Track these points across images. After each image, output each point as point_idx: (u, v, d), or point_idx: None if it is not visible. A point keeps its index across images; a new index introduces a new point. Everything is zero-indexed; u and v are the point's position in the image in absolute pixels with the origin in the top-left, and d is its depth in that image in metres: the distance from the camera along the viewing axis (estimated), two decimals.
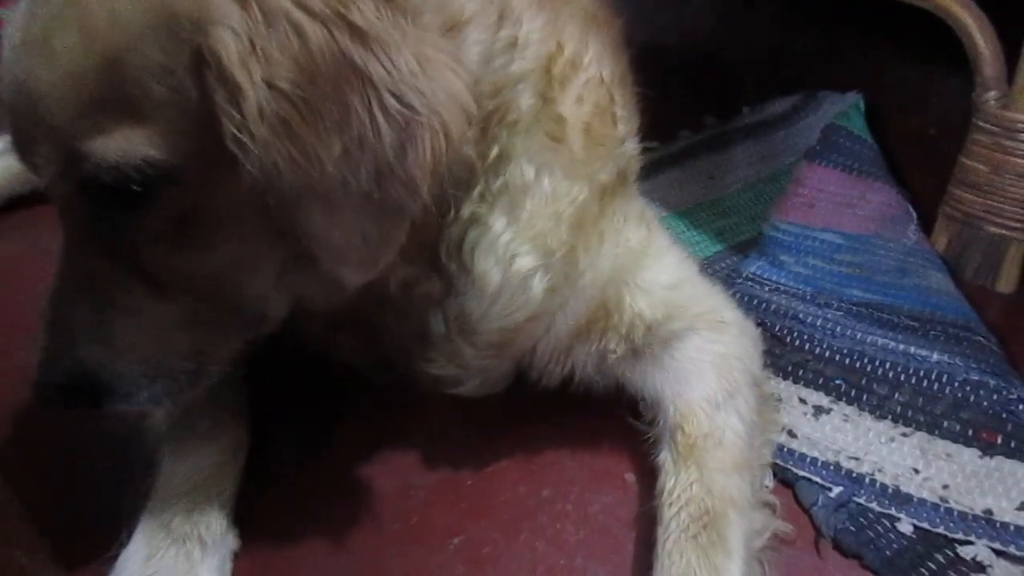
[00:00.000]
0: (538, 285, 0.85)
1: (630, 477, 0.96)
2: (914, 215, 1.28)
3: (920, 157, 1.45)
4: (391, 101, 0.63)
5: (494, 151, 0.80)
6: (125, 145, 0.64)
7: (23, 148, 0.71)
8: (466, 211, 0.81)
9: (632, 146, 0.97)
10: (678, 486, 0.83)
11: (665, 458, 0.87)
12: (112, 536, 0.83)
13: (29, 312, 1.22)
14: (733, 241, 1.30)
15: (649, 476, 0.91)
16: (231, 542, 0.86)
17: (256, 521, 0.89)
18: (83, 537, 0.85)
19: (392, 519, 0.91)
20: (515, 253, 0.83)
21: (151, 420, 0.95)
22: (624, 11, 1.06)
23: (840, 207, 1.31)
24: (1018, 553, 0.83)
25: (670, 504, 0.82)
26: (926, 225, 1.28)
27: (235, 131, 0.61)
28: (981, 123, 1.14)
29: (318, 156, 0.62)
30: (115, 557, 0.81)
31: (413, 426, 1.02)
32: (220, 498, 0.86)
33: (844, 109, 1.48)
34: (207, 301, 0.75)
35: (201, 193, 0.67)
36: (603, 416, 1.00)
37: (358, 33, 0.62)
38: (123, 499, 0.86)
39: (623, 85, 0.96)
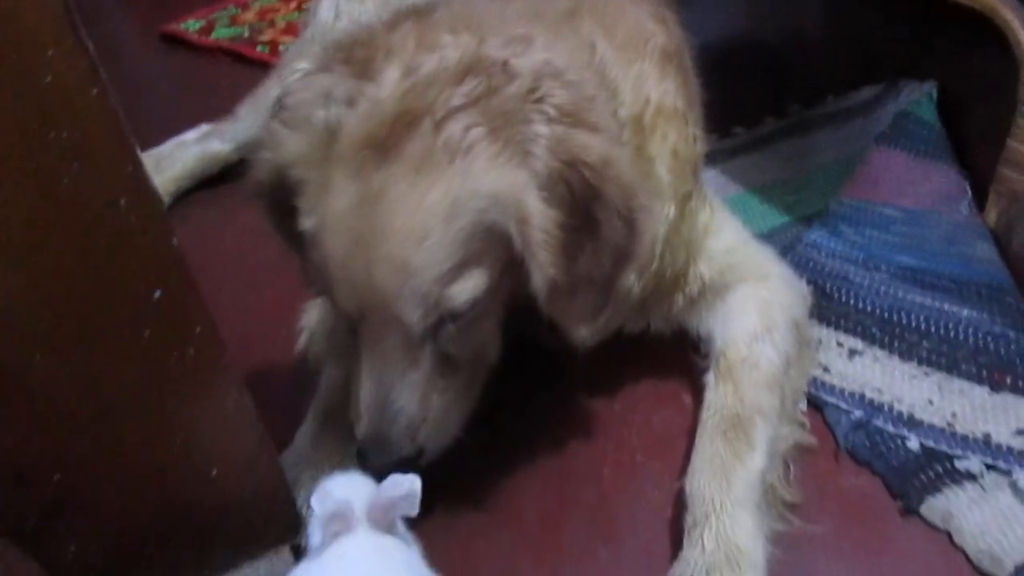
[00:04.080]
0: (636, 291, 1.09)
1: (687, 399, 1.18)
2: (968, 192, 1.40)
3: (993, 140, 1.57)
4: (623, 209, 0.90)
5: None
6: (476, 283, 0.88)
7: (373, 304, 0.88)
8: None
9: (702, 147, 1.16)
10: (717, 398, 1.05)
11: (709, 378, 1.09)
12: None
13: (228, 265, 1.56)
14: (800, 214, 1.47)
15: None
16: None
17: None
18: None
19: (511, 431, 1.16)
20: None
21: (312, 349, 1.26)
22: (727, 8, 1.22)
23: (902, 185, 1.45)
24: (1005, 467, 1.00)
25: (708, 409, 1.04)
26: (984, 202, 1.41)
27: (543, 258, 0.87)
28: None
29: (578, 259, 0.90)
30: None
31: (527, 366, 1.24)
32: None
33: (918, 97, 1.61)
34: (475, 364, 0.99)
35: (489, 297, 0.92)
36: (669, 353, 1.22)
37: (595, 169, 0.88)
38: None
39: (693, 105, 1.16)
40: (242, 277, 1.57)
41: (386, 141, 0.85)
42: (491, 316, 0.97)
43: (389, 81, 0.87)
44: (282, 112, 0.94)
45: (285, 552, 0.96)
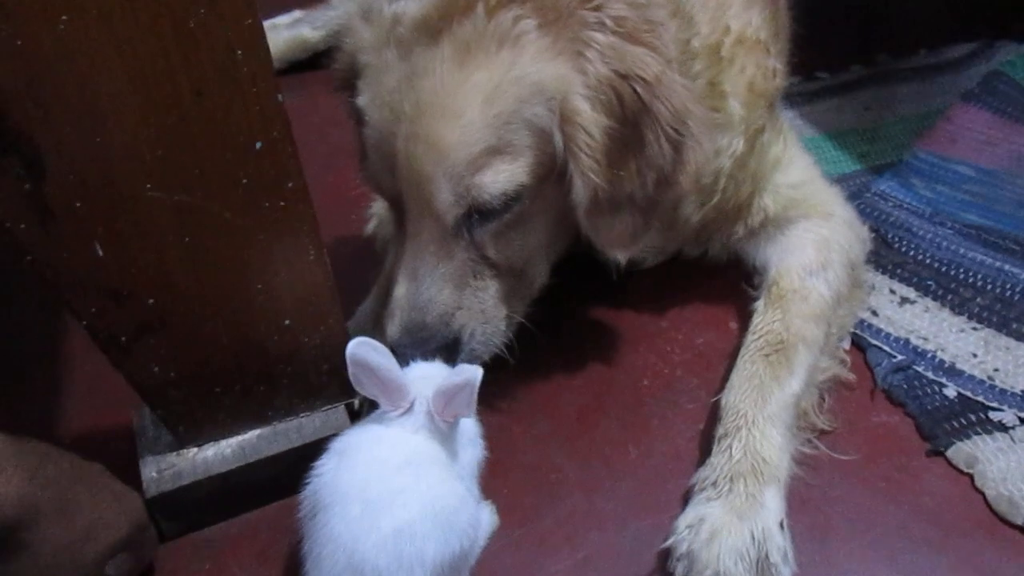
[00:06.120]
0: (695, 220, 1.12)
1: (733, 325, 1.22)
2: None
3: None
4: (671, 132, 0.91)
5: None
6: (508, 177, 0.90)
7: (409, 186, 0.91)
8: None
9: (781, 81, 1.14)
10: (763, 323, 1.08)
11: (759, 305, 1.12)
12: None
13: (308, 146, 1.61)
14: (873, 163, 1.47)
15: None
16: None
17: None
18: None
19: (562, 334, 1.21)
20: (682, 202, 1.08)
21: (379, 233, 1.32)
22: None
23: (980, 144, 1.43)
24: None
25: (753, 333, 1.08)
26: None
27: (585, 162, 0.88)
28: None
29: (622, 173, 0.92)
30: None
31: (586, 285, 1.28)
32: None
33: (1012, 57, 1.57)
34: (516, 276, 1.02)
35: (530, 203, 0.95)
36: (721, 279, 1.25)
37: (649, 85, 0.89)
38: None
39: (779, 37, 1.15)
40: (321, 159, 1.63)
41: (439, 24, 0.88)
42: (533, 233, 1.00)
43: None
44: (363, 9, 0.99)
45: (340, 410, 1.04)
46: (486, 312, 1.00)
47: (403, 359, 0.94)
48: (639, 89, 0.89)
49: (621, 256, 1.02)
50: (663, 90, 0.90)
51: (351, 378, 0.86)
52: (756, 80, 1.08)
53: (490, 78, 0.87)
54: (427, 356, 0.94)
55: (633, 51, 0.89)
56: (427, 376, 0.90)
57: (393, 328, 0.97)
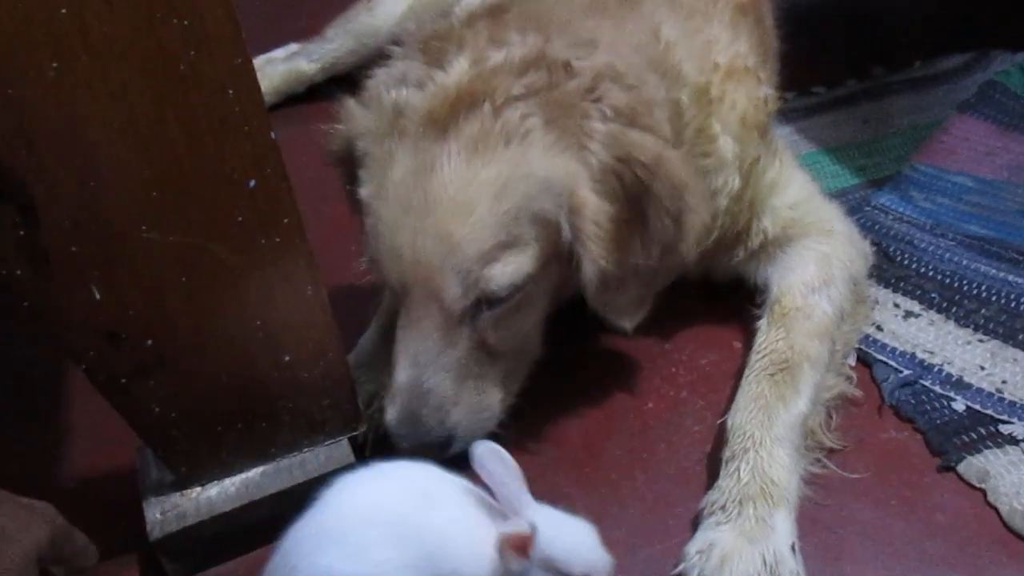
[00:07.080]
0: (691, 255, 1.08)
1: (737, 345, 1.21)
2: None
3: None
4: (672, 208, 0.94)
5: None
6: (517, 269, 0.91)
7: (416, 277, 0.91)
8: None
9: (773, 106, 1.14)
10: (767, 342, 1.07)
11: (762, 323, 1.11)
12: None
13: (305, 179, 1.62)
14: (871, 177, 1.46)
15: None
16: None
17: None
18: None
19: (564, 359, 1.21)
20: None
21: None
22: None
23: (980, 155, 1.43)
24: None
25: (757, 352, 1.07)
26: None
27: (595, 250, 0.91)
28: None
29: (627, 252, 0.94)
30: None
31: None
32: None
33: (1008, 67, 1.57)
34: (513, 356, 1.02)
35: (532, 287, 0.96)
36: (723, 299, 1.24)
37: (647, 167, 0.91)
38: None
39: (768, 60, 1.15)
40: (317, 190, 1.60)
41: (446, 119, 0.89)
42: (533, 311, 1.00)
43: (457, 69, 0.92)
44: (362, 93, 1.00)
45: (344, 444, 1.03)
46: (482, 403, 1.00)
47: (395, 442, 0.97)
48: (639, 172, 0.91)
49: (629, 325, 1.02)
50: (662, 169, 0.92)
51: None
52: (748, 113, 1.08)
53: (499, 175, 0.89)
54: (416, 448, 0.95)
55: (632, 136, 0.92)
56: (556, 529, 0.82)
57: (391, 414, 0.97)
